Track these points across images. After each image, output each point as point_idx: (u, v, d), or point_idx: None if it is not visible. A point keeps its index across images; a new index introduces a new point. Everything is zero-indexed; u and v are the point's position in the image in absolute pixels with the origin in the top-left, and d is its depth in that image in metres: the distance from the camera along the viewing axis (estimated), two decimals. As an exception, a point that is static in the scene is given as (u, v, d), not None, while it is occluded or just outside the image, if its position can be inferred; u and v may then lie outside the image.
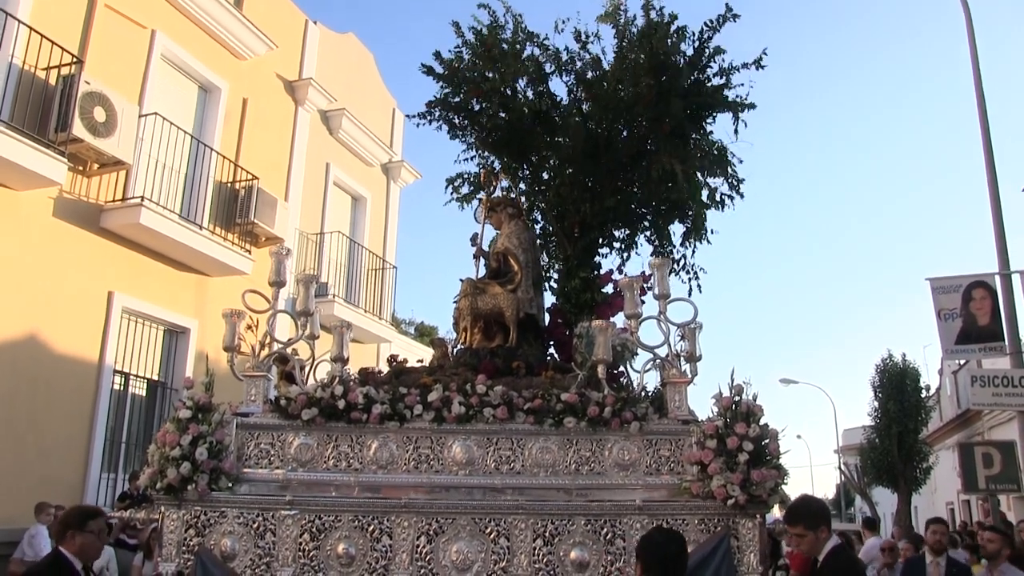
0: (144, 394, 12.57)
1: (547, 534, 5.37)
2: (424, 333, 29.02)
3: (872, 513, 27.89)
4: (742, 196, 8.75)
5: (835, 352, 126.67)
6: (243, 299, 6.29)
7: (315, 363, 6.45)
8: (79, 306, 11.16)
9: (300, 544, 5.39)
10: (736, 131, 8.54)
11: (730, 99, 8.47)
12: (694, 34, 8.34)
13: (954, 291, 12.27)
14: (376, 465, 5.71)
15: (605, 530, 5.39)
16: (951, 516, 25.08)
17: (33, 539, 9.22)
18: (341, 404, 5.72)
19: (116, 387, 11.90)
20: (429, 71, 8.70)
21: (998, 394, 11.53)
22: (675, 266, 8.77)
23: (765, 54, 8.37)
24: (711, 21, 8.29)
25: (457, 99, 8.70)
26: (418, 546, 5.37)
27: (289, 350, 6.40)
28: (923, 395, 25.43)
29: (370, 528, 5.41)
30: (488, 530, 5.40)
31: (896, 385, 24.85)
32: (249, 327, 6.23)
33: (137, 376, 12.32)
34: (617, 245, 9.02)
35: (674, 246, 8.99)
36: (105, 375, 11.54)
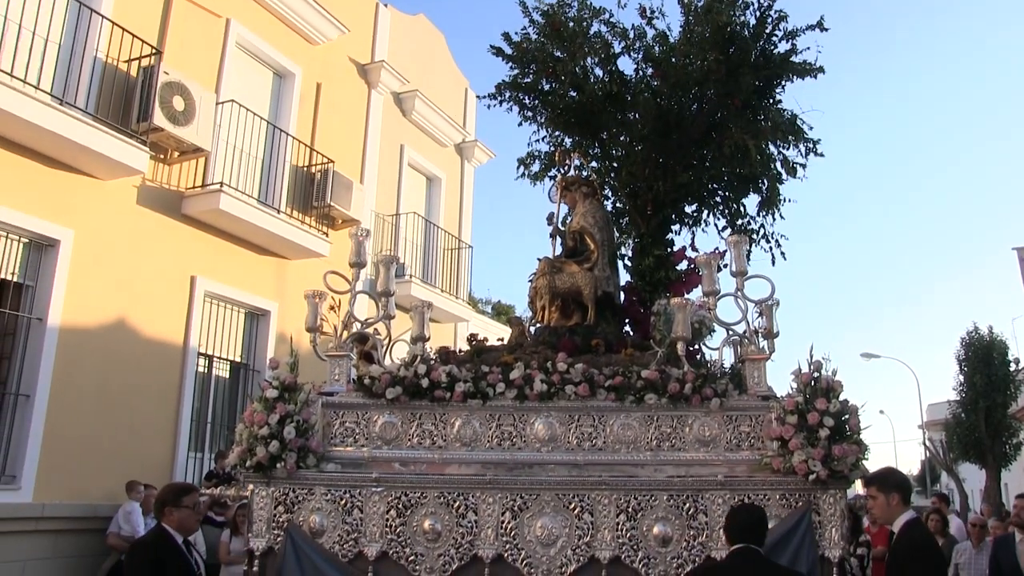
0: (227, 376, 12.88)
1: (630, 509, 5.40)
2: (501, 312, 29.12)
3: (959, 490, 27.31)
4: (821, 155, 8.62)
5: (918, 325, 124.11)
6: (324, 280, 6.40)
7: (392, 343, 6.53)
8: (164, 291, 11.47)
9: (387, 520, 5.49)
10: (815, 76, 8.39)
11: (799, 64, 8.37)
12: (755, 3, 8.24)
13: (1042, 260, 11.92)
14: (460, 443, 5.78)
15: (687, 505, 5.40)
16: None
17: (129, 515, 9.63)
18: (424, 383, 5.80)
19: (200, 369, 12.19)
20: (498, 52, 8.72)
21: (1091, 366, 11.17)
22: (754, 235, 8.71)
23: (823, 18, 8.27)
24: None
25: (527, 80, 8.71)
26: (503, 522, 5.43)
27: (370, 330, 6.50)
28: (1012, 369, 24.76)
29: (455, 504, 5.48)
30: (572, 506, 5.44)
31: (983, 359, 24.25)
32: (332, 308, 6.34)
33: (220, 358, 12.62)
34: (688, 221, 8.98)
35: (749, 217, 8.92)
36: (190, 357, 11.83)
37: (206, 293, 12.21)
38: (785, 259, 8.85)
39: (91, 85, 10.51)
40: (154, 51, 11.22)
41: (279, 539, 5.51)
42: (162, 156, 11.57)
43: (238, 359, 12.97)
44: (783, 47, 8.38)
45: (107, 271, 10.66)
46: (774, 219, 8.81)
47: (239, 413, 10.42)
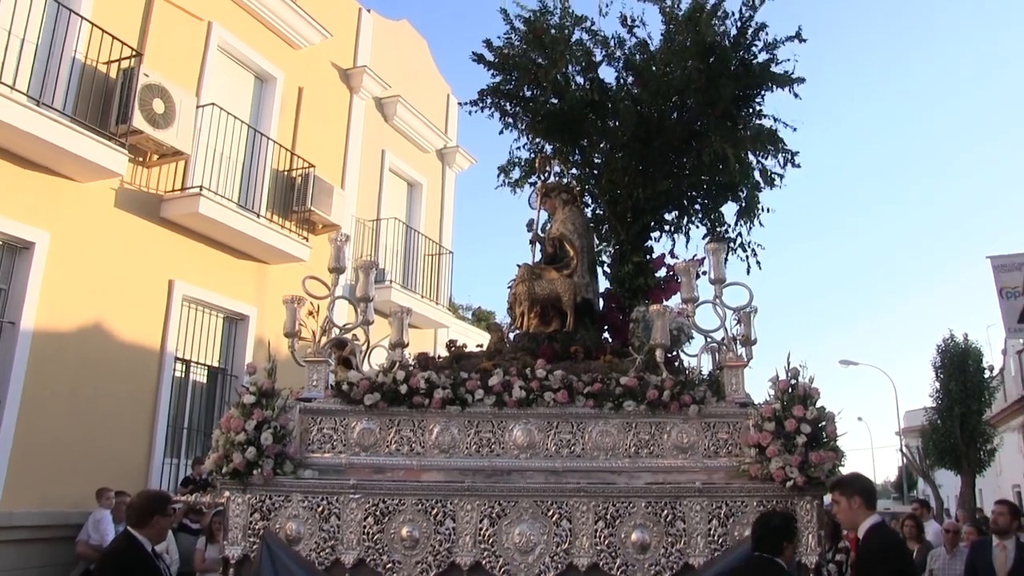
0: (205, 381, 12.79)
1: (608, 516, 5.39)
2: (481, 318, 29.08)
3: (935, 496, 27.50)
4: (798, 167, 8.69)
5: (896, 333, 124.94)
6: (303, 285, 6.37)
7: (370, 348, 6.50)
8: (141, 294, 11.39)
9: (364, 527, 5.46)
10: (795, 92, 8.46)
11: (778, 73, 8.42)
12: (735, 14, 8.31)
13: (1016, 269, 12.04)
14: (438, 449, 5.77)
15: (666, 512, 5.40)
16: (1017, 499, 24.62)
17: (99, 523, 9.48)
18: (403, 389, 5.78)
19: (178, 374, 12.12)
20: (480, 59, 8.73)
21: (1064, 374, 11.27)
22: (731, 245, 8.75)
23: (801, 29, 8.34)
24: (749, 0, 8.26)
25: (509, 87, 8.72)
26: (481, 529, 5.42)
27: (349, 335, 6.47)
28: (986, 375, 24.95)
29: (433, 511, 5.47)
30: (550, 513, 5.43)
31: (958, 366, 24.41)
32: (310, 313, 6.31)
33: (198, 363, 12.54)
34: (667, 228, 9.01)
35: (728, 225, 8.97)
36: (167, 362, 11.75)
37: (184, 297, 12.14)
38: (760, 268, 8.92)
39: (69, 86, 10.43)
40: (134, 53, 11.16)
41: (255, 547, 5.47)
42: (141, 159, 11.51)
43: (216, 364, 12.90)
44: (762, 57, 8.44)
45: (83, 274, 10.57)
46: (751, 228, 8.86)
47: (217, 419, 10.35)
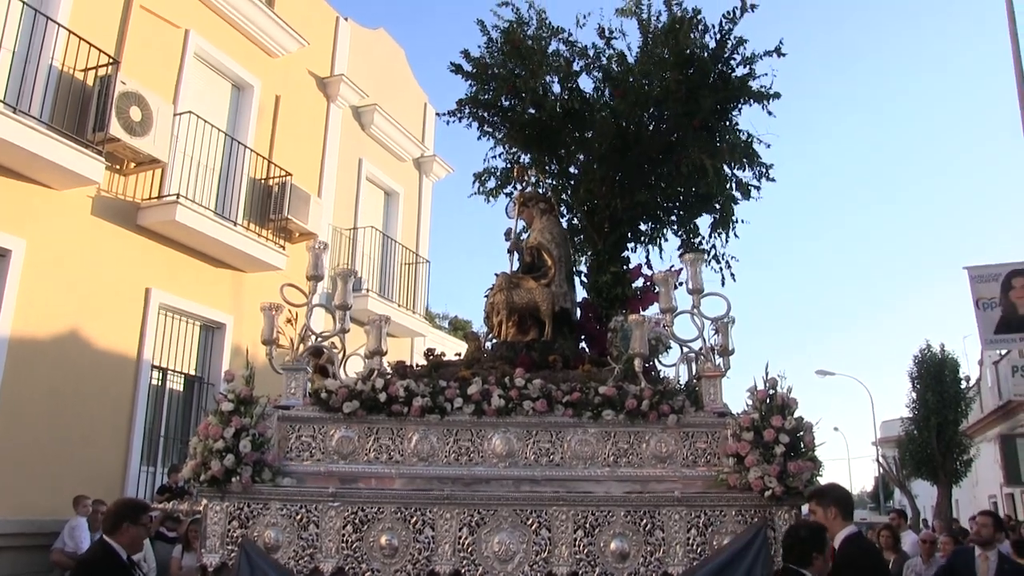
0: (181, 389, 12.72)
1: (587, 525, 5.40)
2: (458, 327, 29.03)
3: (911, 506, 27.61)
4: (772, 180, 8.75)
5: (873, 343, 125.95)
6: (281, 293, 6.34)
7: (346, 357, 6.49)
8: (118, 302, 11.32)
9: (343, 536, 5.44)
10: (769, 109, 8.51)
11: (755, 89, 8.48)
12: (714, 27, 8.36)
13: (993, 280, 12.13)
14: (417, 457, 5.76)
15: (644, 521, 5.41)
16: (994, 509, 24.75)
17: (74, 530, 9.39)
18: (382, 397, 5.77)
19: (154, 382, 12.05)
20: (458, 69, 8.75)
21: (1040, 384, 11.36)
22: (706, 256, 8.79)
23: (782, 43, 8.40)
24: (729, 13, 8.31)
25: (487, 97, 8.73)
26: (460, 537, 5.41)
27: (326, 343, 6.45)
28: (963, 386, 25.05)
29: (412, 520, 5.45)
30: (529, 521, 5.42)
31: (935, 376, 24.44)
32: (289, 321, 6.29)
33: (174, 371, 12.46)
34: (643, 239, 9.04)
35: (702, 237, 9.01)
36: (144, 370, 11.68)
37: (161, 305, 12.08)
38: (735, 280, 8.95)
39: (46, 94, 10.36)
40: (111, 60, 11.11)
41: (233, 555, 5.43)
42: (118, 166, 11.45)
43: (192, 372, 12.82)
44: (741, 71, 8.49)
45: (60, 282, 10.50)
46: (727, 239, 8.91)
47: (193, 427, 10.27)
